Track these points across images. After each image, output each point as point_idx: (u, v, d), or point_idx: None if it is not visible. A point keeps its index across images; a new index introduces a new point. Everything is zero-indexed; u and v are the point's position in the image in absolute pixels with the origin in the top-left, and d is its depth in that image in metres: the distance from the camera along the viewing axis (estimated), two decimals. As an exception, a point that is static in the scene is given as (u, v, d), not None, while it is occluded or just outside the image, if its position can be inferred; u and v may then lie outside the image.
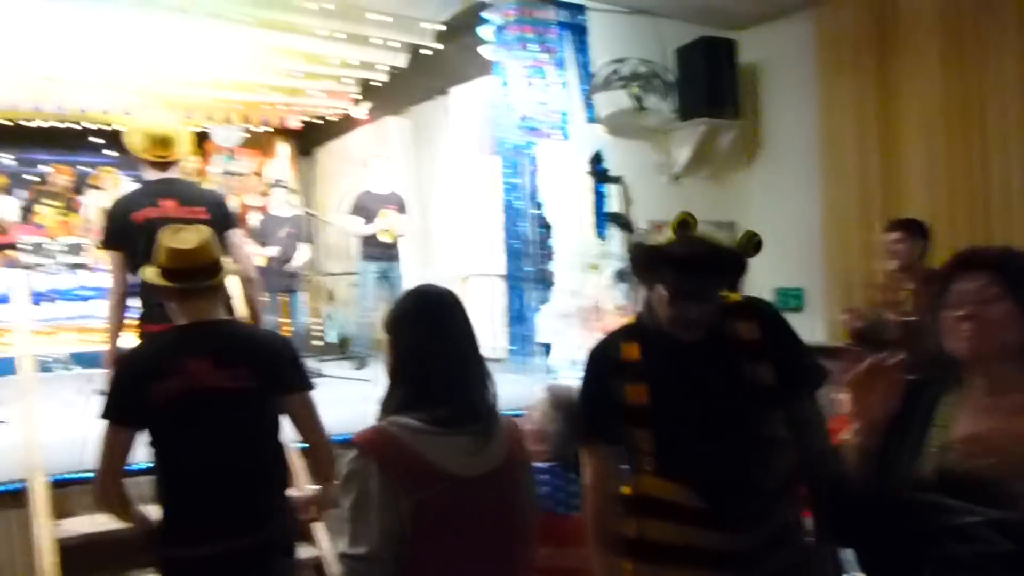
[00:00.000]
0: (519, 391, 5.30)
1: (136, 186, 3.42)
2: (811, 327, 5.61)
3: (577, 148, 6.00)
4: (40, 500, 3.06)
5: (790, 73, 6.52)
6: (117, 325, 3.40)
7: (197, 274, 2.31)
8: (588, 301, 5.75)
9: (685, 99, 6.49)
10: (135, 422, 2.24)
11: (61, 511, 3.35)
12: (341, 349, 8.17)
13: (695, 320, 1.97)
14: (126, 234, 3.30)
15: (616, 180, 6.11)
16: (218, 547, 2.17)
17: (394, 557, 1.55)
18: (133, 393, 2.22)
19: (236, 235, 3.51)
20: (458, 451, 1.65)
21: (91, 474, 3.37)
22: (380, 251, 6.97)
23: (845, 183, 5.99)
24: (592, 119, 6.27)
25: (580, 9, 6.31)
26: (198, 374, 2.22)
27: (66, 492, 3.40)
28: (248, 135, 9.82)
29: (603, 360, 2.12)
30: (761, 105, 6.77)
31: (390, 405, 1.72)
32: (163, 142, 3.41)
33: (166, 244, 2.33)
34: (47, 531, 2.98)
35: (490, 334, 7.15)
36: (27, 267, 6.56)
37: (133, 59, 7.28)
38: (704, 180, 6.83)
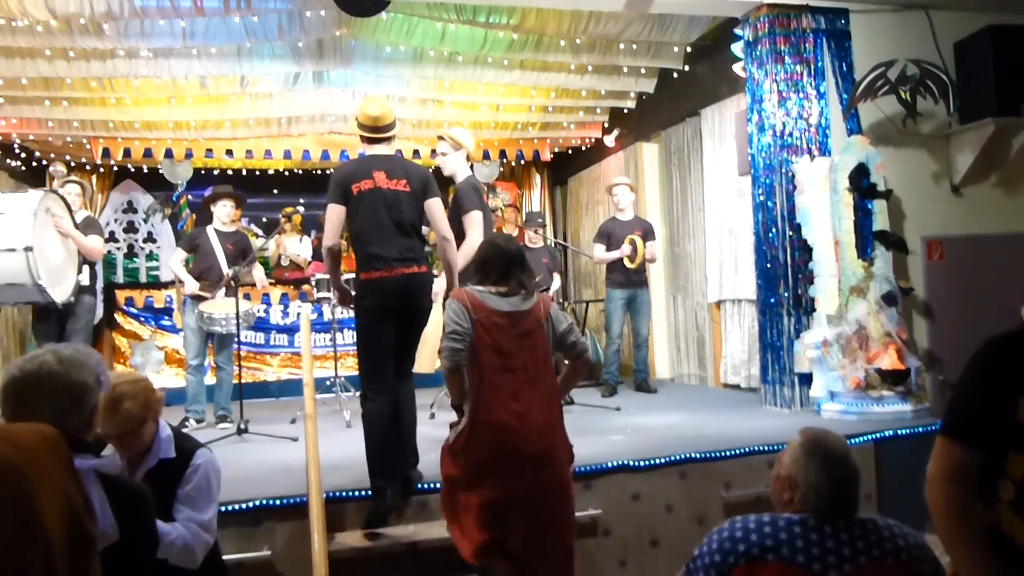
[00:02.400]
0: (773, 426, 5.08)
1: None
2: None
3: (839, 163, 5.62)
4: (317, 514, 3.43)
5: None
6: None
7: (380, 129, 4.00)
8: (852, 328, 5.33)
9: (967, 98, 5.85)
10: None
11: (334, 526, 3.75)
12: (592, 376, 8.29)
13: None
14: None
15: (884, 195, 5.62)
16: None
17: (468, 345, 3.10)
18: None
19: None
20: (501, 301, 3.18)
21: (364, 494, 3.76)
22: (625, 278, 7.01)
23: None
24: (855, 130, 5.86)
25: (841, 14, 5.95)
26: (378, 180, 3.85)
27: (341, 508, 3.82)
28: (503, 169, 10.43)
29: (1006, 359, 1.84)
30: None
31: (470, 281, 3.34)
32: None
33: (365, 111, 4.02)
34: (321, 544, 3.33)
35: (742, 363, 6.88)
36: (318, 301, 7.44)
37: (403, 108, 8.08)
38: (992, 188, 6.09)
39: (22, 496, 1.14)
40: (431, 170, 4.32)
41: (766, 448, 4.44)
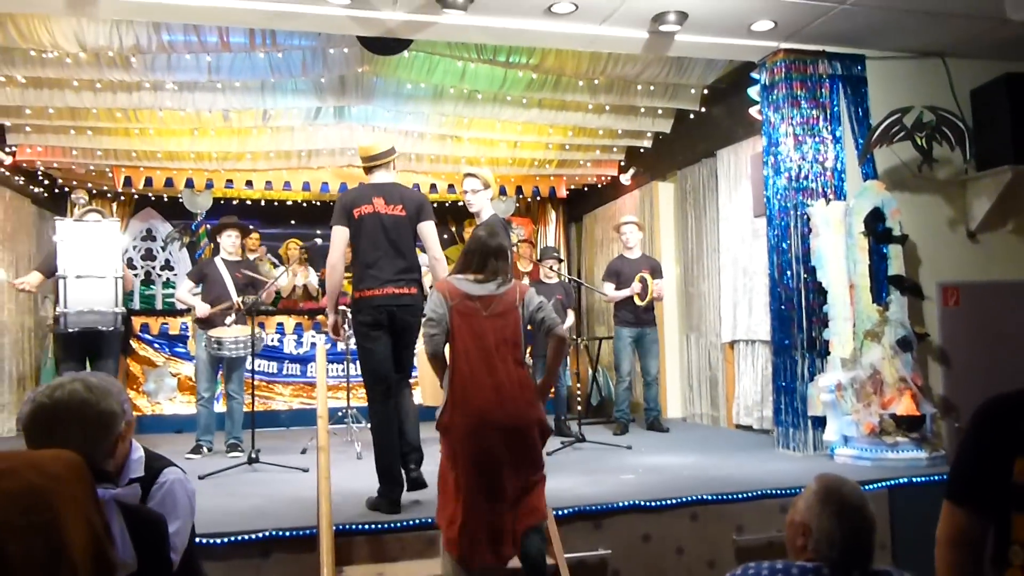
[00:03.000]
0: (786, 469, 5.05)
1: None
2: None
3: (854, 207, 5.64)
4: (327, 547, 3.43)
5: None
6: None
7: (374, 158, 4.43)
8: (867, 372, 5.31)
9: (984, 146, 5.89)
10: None
11: (343, 559, 3.74)
12: (604, 413, 8.27)
13: None
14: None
15: (900, 240, 5.64)
16: None
17: (445, 330, 3.41)
18: None
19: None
20: (476, 287, 3.46)
21: (373, 527, 3.78)
22: (633, 316, 7.06)
23: None
24: (870, 175, 5.90)
25: (858, 60, 6.02)
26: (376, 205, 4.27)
27: (351, 541, 3.81)
28: (519, 204, 10.51)
29: (1002, 421, 1.84)
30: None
31: (454, 271, 3.59)
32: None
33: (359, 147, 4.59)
34: (329, 576, 3.32)
35: (755, 404, 6.85)
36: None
37: (422, 144, 8.20)
38: (1009, 235, 6.10)
39: (51, 524, 1.16)
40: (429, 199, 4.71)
41: (779, 492, 4.41)
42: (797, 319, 5.76)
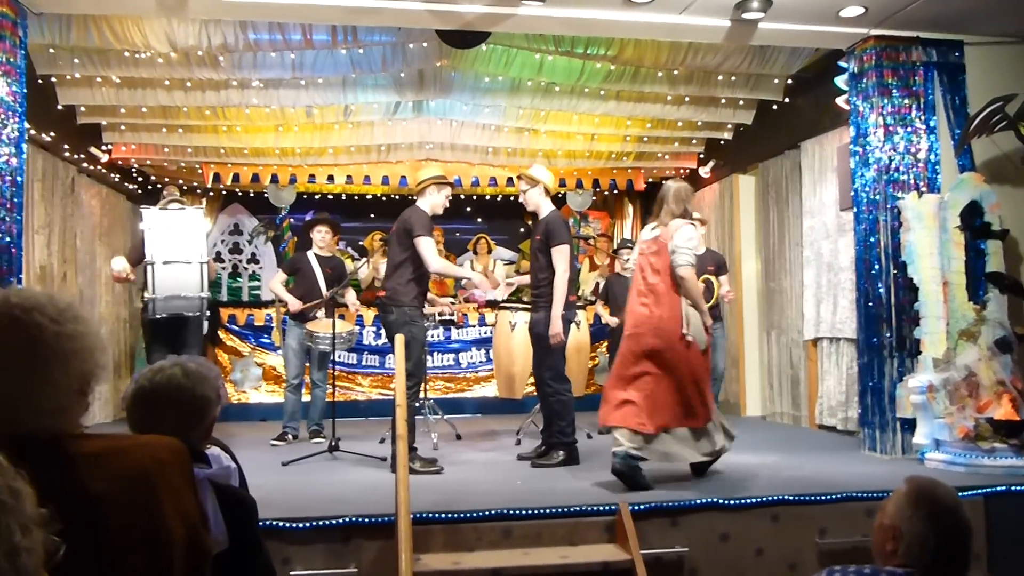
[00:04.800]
0: (873, 472, 4.88)
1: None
2: None
3: (949, 200, 5.41)
4: (405, 534, 3.49)
5: None
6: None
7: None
8: (961, 374, 5.08)
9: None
10: None
11: (420, 547, 3.80)
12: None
13: None
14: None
15: (999, 235, 5.37)
16: None
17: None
18: None
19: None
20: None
21: (450, 516, 3.83)
22: (710, 308, 6.89)
23: None
24: (968, 167, 5.64)
25: (955, 46, 5.75)
26: None
27: (428, 529, 3.87)
28: (596, 198, 10.44)
29: None
30: None
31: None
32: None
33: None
34: (407, 564, 3.38)
35: (839, 404, 6.65)
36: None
37: (499, 137, 8.24)
38: (1122, 231, 5.73)
39: (152, 503, 1.23)
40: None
41: (865, 495, 4.26)
42: (886, 317, 5.56)
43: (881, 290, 5.60)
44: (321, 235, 6.68)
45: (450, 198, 5.45)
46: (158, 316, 5.43)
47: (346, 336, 6.34)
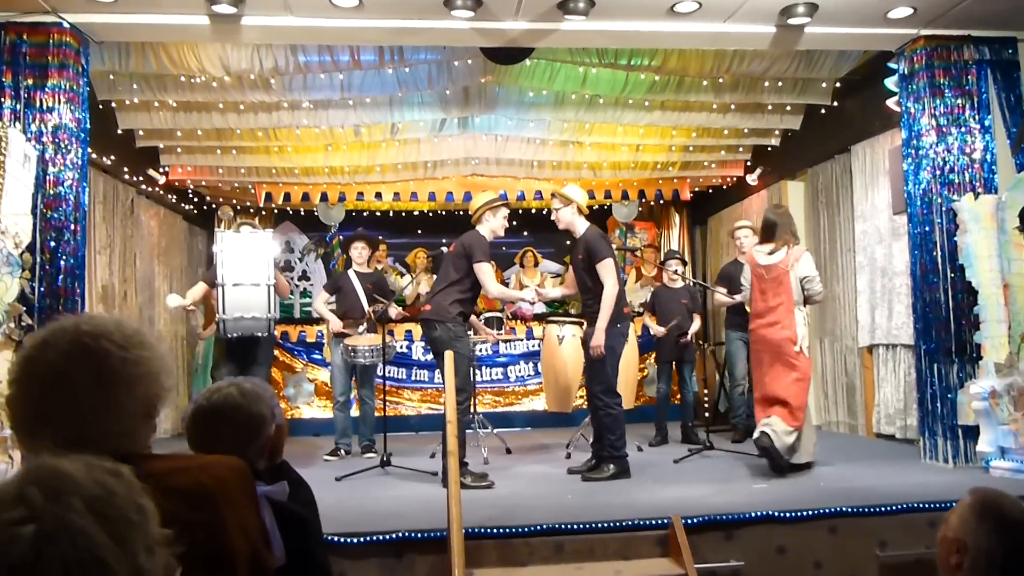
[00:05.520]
0: (934, 482, 4.73)
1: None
2: None
3: (1007, 200, 5.25)
4: (457, 549, 3.49)
5: None
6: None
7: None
8: (1025, 380, 4.91)
9: None
10: None
11: (473, 561, 3.80)
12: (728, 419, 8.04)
13: None
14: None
15: (1062, 236, 5.19)
16: None
17: None
18: None
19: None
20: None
21: (502, 531, 3.83)
22: (743, 320, 6.84)
23: None
24: (1025, 166, 5.46)
25: (1008, 43, 5.60)
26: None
27: (480, 544, 3.87)
28: (642, 208, 10.38)
29: None
30: None
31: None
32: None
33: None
34: (460, 577, 3.39)
35: (897, 412, 6.48)
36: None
37: (544, 151, 8.26)
38: None
39: (215, 522, 1.27)
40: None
41: (927, 506, 4.13)
42: (944, 321, 5.41)
43: (939, 294, 5.45)
44: (358, 251, 6.78)
45: (507, 217, 5.49)
46: (229, 336, 5.58)
47: (377, 349, 6.34)
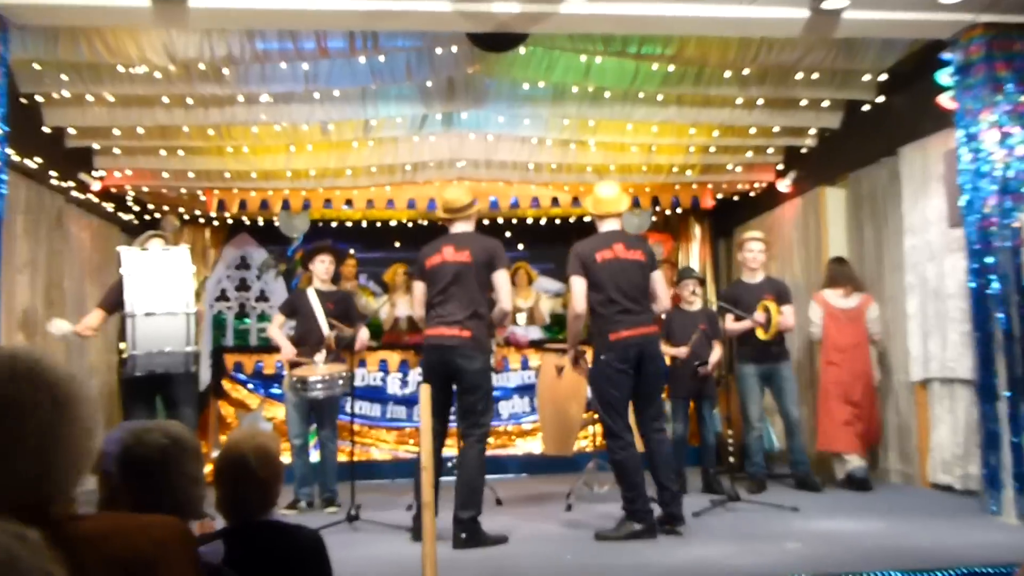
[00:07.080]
0: (1001, 542, 4.71)
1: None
2: None
3: (1080, 212, 5.27)
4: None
5: None
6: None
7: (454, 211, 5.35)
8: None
9: None
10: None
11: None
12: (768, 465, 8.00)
13: None
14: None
15: None
16: None
17: None
18: None
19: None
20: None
21: None
22: (756, 351, 6.89)
23: None
24: (1103, 173, 5.48)
25: (1079, 30, 5.64)
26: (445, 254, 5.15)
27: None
28: (656, 218, 10.39)
29: None
30: None
31: None
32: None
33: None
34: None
35: (956, 458, 6.46)
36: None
37: (542, 152, 8.28)
38: None
39: None
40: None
41: (992, 571, 4.12)
42: (1007, 352, 5.40)
43: (1001, 321, 5.46)
44: (324, 266, 6.73)
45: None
46: (138, 374, 5.50)
47: (330, 379, 6.20)
